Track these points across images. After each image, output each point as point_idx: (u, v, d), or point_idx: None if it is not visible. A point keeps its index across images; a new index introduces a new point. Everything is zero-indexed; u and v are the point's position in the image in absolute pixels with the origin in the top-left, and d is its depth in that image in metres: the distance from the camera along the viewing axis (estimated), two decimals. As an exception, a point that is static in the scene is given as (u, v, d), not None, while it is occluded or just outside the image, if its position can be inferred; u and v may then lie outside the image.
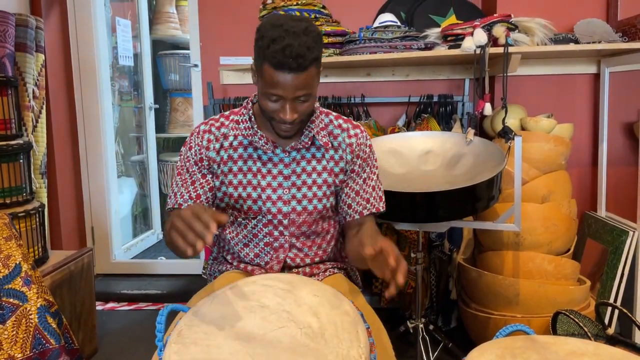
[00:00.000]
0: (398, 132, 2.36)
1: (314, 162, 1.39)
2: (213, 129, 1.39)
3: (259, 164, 1.37)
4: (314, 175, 1.39)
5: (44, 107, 2.52)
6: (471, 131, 1.99)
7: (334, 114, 1.46)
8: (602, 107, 2.36)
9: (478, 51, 2.00)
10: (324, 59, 2.25)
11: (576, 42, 2.14)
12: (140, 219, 3.90)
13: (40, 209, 2.03)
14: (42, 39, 2.50)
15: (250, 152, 1.38)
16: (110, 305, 2.84)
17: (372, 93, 2.59)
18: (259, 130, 1.36)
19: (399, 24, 2.24)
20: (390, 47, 2.14)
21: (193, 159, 1.38)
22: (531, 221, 2.04)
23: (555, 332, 1.85)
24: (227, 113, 1.43)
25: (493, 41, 2.02)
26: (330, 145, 1.40)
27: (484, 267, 2.16)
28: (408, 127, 2.46)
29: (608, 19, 2.32)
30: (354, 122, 1.46)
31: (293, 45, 1.15)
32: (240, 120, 1.38)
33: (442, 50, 2.12)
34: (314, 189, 1.39)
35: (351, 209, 1.43)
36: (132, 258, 3.41)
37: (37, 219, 2.01)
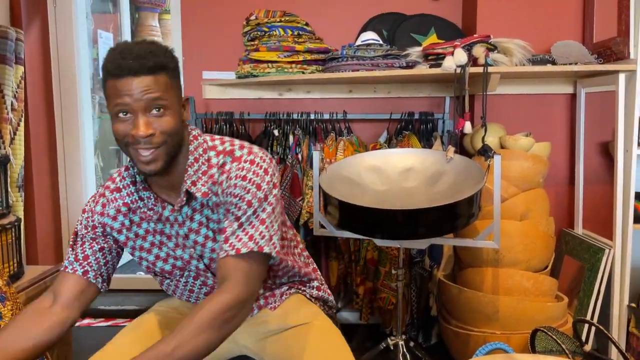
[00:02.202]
0: (379, 148, 2.38)
1: (206, 212, 1.22)
2: (110, 192, 1.26)
3: (159, 225, 1.25)
4: (212, 224, 1.23)
5: (22, 119, 2.48)
6: (451, 149, 2.01)
7: (217, 143, 1.23)
8: (579, 126, 2.41)
9: (458, 70, 2.03)
10: (307, 76, 2.28)
11: (553, 63, 2.19)
12: (119, 233, 3.84)
13: (16, 224, 1.99)
14: (21, 51, 2.47)
15: (146, 213, 1.24)
16: (86, 321, 2.78)
17: (354, 110, 2.61)
18: (144, 192, 1.22)
19: (380, 42, 2.27)
20: (372, 65, 2.16)
21: (88, 223, 1.26)
22: (510, 238, 2.07)
23: (534, 349, 1.87)
24: (109, 183, 1.28)
25: (473, 61, 2.06)
26: (210, 193, 1.19)
27: (464, 283, 2.17)
28: (389, 143, 2.48)
29: (584, 41, 2.38)
30: (237, 152, 1.20)
31: (133, 49, 1.08)
32: (121, 186, 1.25)
33: (423, 69, 2.15)
34: (218, 237, 1.21)
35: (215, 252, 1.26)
36: (109, 273, 3.35)
37: (13, 234, 1.97)
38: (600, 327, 1.77)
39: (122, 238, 1.27)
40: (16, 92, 2.42)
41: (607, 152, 2.45)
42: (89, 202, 1.30)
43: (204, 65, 2.71)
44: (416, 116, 2.47)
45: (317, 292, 1.47)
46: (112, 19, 3.71)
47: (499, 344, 1.16)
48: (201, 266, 1.28)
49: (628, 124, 2.06)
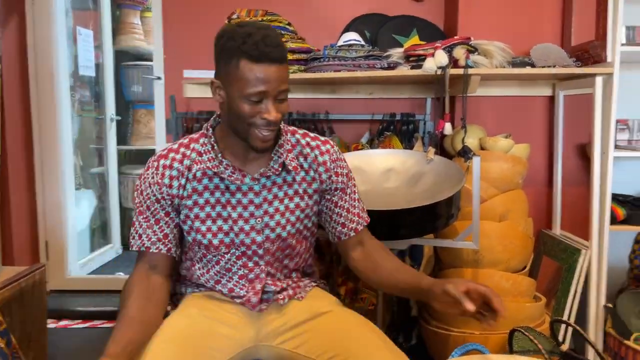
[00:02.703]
0: (361, 149, 2.38)
1: (285, 187, 1.34)
2: (175, 163, 1.30)
3: (227, 194, 1.30)
4: (286, 201, 1.34)
5: (-2, 117, 2.44)
6: (432, 150, 2.02)
7: (300, 131, 1.42)
8: (557, 128, 2.44)
9: (439, 72, 2.04)
10: (289, 75, 2.27)
11: (532, 65, 2.21)
12: (99, 233, 3.79)
13: (-10, 223, 1.95)
14: (-2, 47, 2.43)
15: (217, 183, 1.30)
16: (63, 322, 2.74)
17: (336, 110, 2.61)
18: (224, 159, 1.30)
19: (362, 43, 2.27)
20: (354, 66, 2.16)
21: (155, 196, 1.30)
22: (489, 239, 2.08)
23: (511, 349, 1.88)
24: (185, 141, 1.34)
25: (453, 62, 2.07)
26: (299, 168, 1.35)
27: (444, 284, 2.18)
28: (371, 144, 2.48)
29: (562, 44, 2.41)
30: (322, 138, 1.42)
31: (271, 36, 1.16)
32: (202, 151, 1.30)
33: (404, 70, 2.15)
34: (287, 214, 1.34)
35: (345, 227, 1.41)
36: (89, 273, 3.31)
37: (-13, 234, 1.93)
38: (577, 327, 1.79)
39: (189, 203, 1.30)
40: (-8, 89, 2.38)
41: (584, 154, 2.48)
42: (151, 174, 1.30)
43: (185, 63, 2.68)
44: (398, 117, 2.48)
45: (323, 285, 1.54)
46: (93, 16, 3.66)
47: (475, 344, 1.18)
48: (258, 239, 1.32)
49: (605, 126, 2.09)
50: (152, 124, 4.11)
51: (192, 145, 1.33)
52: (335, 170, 1.39)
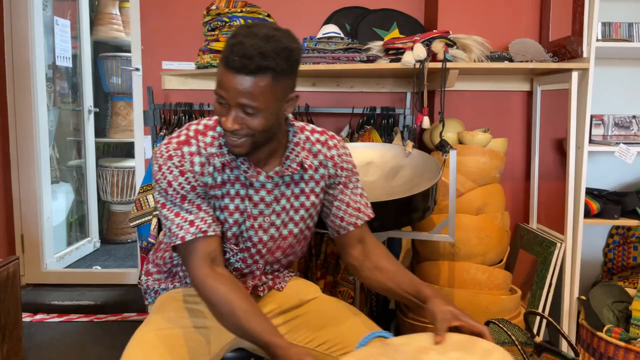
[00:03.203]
0: (340, 142, 2.37)
1: (292, 186, 1.32)
2: (201, 150, 1.24)
3: (244, 189, 1.28)
4: (292, 200, 1.33)
5: (-29, 107, 2.39)
6: (410, 143, 2.03)
7: (308, 127, 1.38)
8: (535, 123, 2.46)
9: (417, 65, 2.05)
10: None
11: (510, 60, 2.22)
12: (76, 227, 3.74)
13: (-39, 215, 1.91)
14: (-30, 36, 2.37)
15: (237, 174, 1.27)
16: (39, 316, 2.70)
17: (316, 103, 2.60)
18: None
19: (342, 35, 2.26)
20: (333, 59, 2.16)
21: (190, 184, 1.23)
22: (466, 232, 2.10)
23: (486, 341, 1.90)
24: (201, 127, 1.28)
25: (432, 56, 2.08)
26: (312, 167, 1.33)
27: (421, 276, 2.19)
28: (351, 138, 2.48)
29: (540, 39, 2.43)
30: (329, 132, 1.40)
31: (244, 44, 1.08)
32: (222, 144, 1.26)
33: (383, 64, 2.15)
34: (291, 213, 1.33)
35: (344, 221, 1.38)
36: (66, 267, 3.27)
37: (-42, 226, 1.89)
38: (550, 318, 1.81)
39: (217, 193, 1.27)
40: (-36, 78, 2.33)
41: (561, 148, 2.51)
42: (178, 162, 1.22)
43: (163, 55, 2.66)
44: (378, 111, 2.48)
45: (299, 275, 1.55)
46: (71, 6, 3.60)
47: (377, 332, 1.20)
48: (265, 237, 1.32)
49: (580, 121, 2.12)
50: (131, 117, 4.05)
51: (209, 133, 1.27)
52: (341, 164, 1.37)
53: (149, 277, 1.47)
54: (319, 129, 1.39)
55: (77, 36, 3.62)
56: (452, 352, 1.04)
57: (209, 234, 1.22)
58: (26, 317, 2.58)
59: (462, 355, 1.03)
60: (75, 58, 3.63)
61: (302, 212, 1.35)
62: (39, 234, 2.98)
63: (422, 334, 1.16)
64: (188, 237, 1.21)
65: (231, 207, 1.28)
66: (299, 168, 1.30)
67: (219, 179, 1.26)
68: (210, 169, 1.25)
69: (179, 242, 1.21)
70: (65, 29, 3.44)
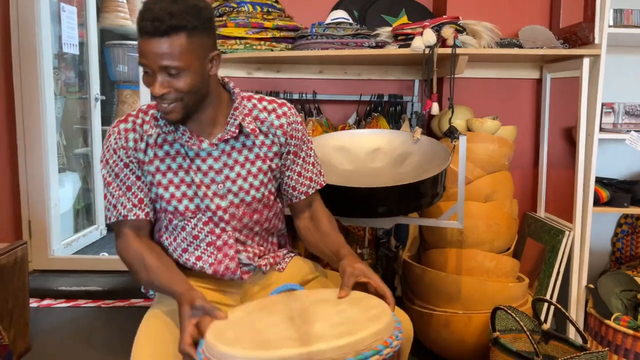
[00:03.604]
0: (349, 129, 2.36)
1: (245, 152, 1.35)
2: (137, 127, 1.30)
3: (187, 160, 1.31)
4: (248, 165, 1.35)
5: (-21, 92, 2.39)
6: (418, 130, 2.02)
7: (257, 96, 1.41)
8: (544, 111, 2.44)
9: (427, 51, 2.03)
10: (276, 54, 2.25)
11: (520, 47, 2.20)
12: (83, 215, 3.75)
13: (-31, 199, 1.92)
14: (-22, 21, 2.37)
15: (177, 148, 1.31)
16: (46, 302, 2.71)
17: (324, 90, 2.59)
18: (181, 125, 1.29)
19: (351, 21, 2.24)
20: (342, 44, 2.14)
21: (122, 162, 1.30)
22: (474, 219, 2.09)
23: (494, 327, 1.90)
24: (144, 107, 1.35)
25: (442, 42, 2.06)
26: (258, 131, 1.35)
27: (428, 264, 2.19)
28: (359, 125, 2.47)
29: (551, 26, 2.41)
30: (279, 101, 1.42)
31: (152, 9, 1.13)
32: (158, 116, 1.31)
33: (392, 49, 2.14)
34: (250, 179, 1.35)
35: (296, 190, 1.42)
36: (73, 254, 3.28)
37: (-34, 209, 1.90)
38: (559, 306, 1.81)
39: (151, 169, 1.30)
40: (-29, 63, 2.32)
41: (570, 137, 2.49)
42: (114, 140, 1.30)
43: (170, 41, 2.65)
44: (385, 98, 2.46)
45: (299, 252, 1.58)
46: (77, -7, 3.58)
47: (290, 284, 1.25)
48: (223, 204, 1.32)
49: (591, 108, 2.10)
50: (137, 105, 4.05)
51: (150, 112, 1.33)
52: (290, 133, 1.39)
53: None
54: (268, 98, 1.42)
55: (84, 23, 3.61)
56: (342, 305, 1.10)
57: (129, 218, 1.30)
58: (33, 303, 2.59)
59: (347, 307, 1.08)
60: (82, 46, 3.63)
61: (260, 176, 1.36)
62: (46, 220, 2.98)
63: (330, 289, 1.22)
64: (112, 219, 1.32)
65: (176, 180, 1.31)
66: (237, 131, 1.31)
67: (159, 154, 1.31)
68: (143, 145, 1.30)
69: (111, 220, 1.33)
70: (71, 16, 3.43)
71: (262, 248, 1.43)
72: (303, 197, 1.43)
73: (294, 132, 1.40)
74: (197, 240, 1.35)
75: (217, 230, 1.34)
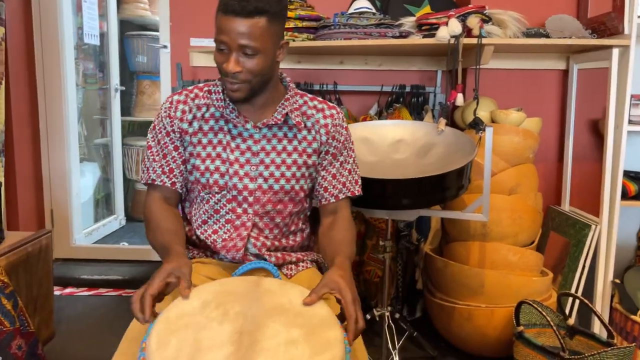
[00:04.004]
0: (370, 120, 2.35)
1: (285, 142, 1.37)
2: (188, 100, 1.36)
3: (228, 137, 1.35)
4: (284, 155, 1.36)
5: (3, 82, 2.41)
6: (443, 121, 1.99)
7: (310, 95, 1.44)
8: (570, 103, 2.40)
9: (452, 41, 2.00)
10: (298, 44, 2.24)
11: (547, 37, 2.16)
12: (103, 204, 3.78)
13: (-5, 187, 1.94)
14: (2, 11, 2.38)
15: (222, 125, 1.35)
16: (68, 290, 2.75)
17: (344, 81, 2.57)
18: (231, 103, 1.33)
19: (374, 11, 2.22)
20: (365, 34, 2.12)
21: (165, 129, 1.36)
22: (498, 212, 2.06)
23: (517, 321, 1.88)
24: (201, 84, 1.41)
25: (467, 32, 2.03)
26: (303, 125, 1.37)
27: (450, 257, 2.17)
28: (380, 116, 2.45)
29: (578, 15, 2.36)
30: (330, 104, 1.44)
31: None
32: (213, 91, 1.36)
33: (416, 39, 2.11)
34: (282, 168, 1.36)
35: (327, 192, 1.41)
36: (93, 243, 3.31)
37: (-7, 198, 1.92)
38: (585, 300, 1.79)
39: (194, 140, 1.35)
40: (-4, 53, 2.34)
41: (596, 130, 2.45)
42: (164, 109, 1.37)
43: (192, 32, 2.64)
44: (407, 89, 2.44)
45: (324, 266, 1.50)
46: (97, -16, 3.59)
47: (265, 263, 1.22)
48: (250, 186, 1.34)
49: (620, 100, 2.06)
50: (156, 95, 4.06)
51: (205, 88, 1.38)
52: (333, 134, 1.40)
53: None
54: (320, 99, 1.44)
55: (105, 14, 3.62)
56: (295, 329, 1.00)
57: (156, 182, 1.36)
58: (56, 291, 2.63)
59: (301, 337, 0.98)
60: (103, 36, 3.64)
61: (294, 169, 1.37)
62: (68, 209, 3.01)
63: (299, 288, 1.12)
64: (142, 180, 1.39)
65: (213, 154, 1.35)
66: (282, 119, 1.34)
67: (204, 127, 1.35)
68: (190, 116, 1.35)
69: (142, 181, 1.39)
70: (92, 7, 3.44)
71: (276, 243, 1.41)
72: (332, 199, 1.41)
73: (337, 135, 1.41)
74: (217, 214, 1.38)
75: (239, 210, 1.36)
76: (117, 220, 3.79)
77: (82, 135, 3.45)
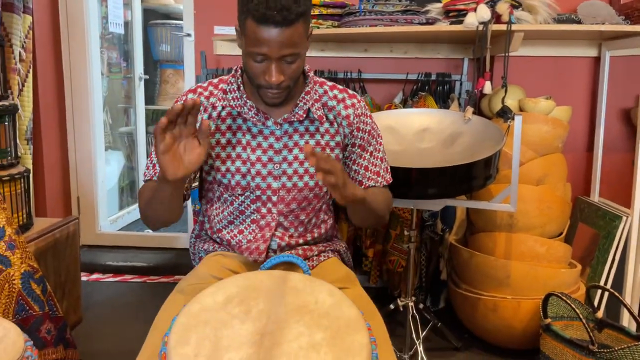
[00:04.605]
0: (395, 109, 2.32)
1: (307, 137, 1.31)
2: (202, 98, 1.30)
3: (248, 136, 1.29)
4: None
5: (31, 71, 2.44)
6: (470, 109, 1.95)
7: (329, 83, 1.38)
8: (601, 91, 2.34)
9: (480, 27, 1.96)
10: (322, 31, 2.21)
11: (579, 23, 2.10)
12: (127, 192, 3.83)
13: (25, 174, 1.97)
14: (29, 0, 2.40)
15: (240, 124, 1.30)
16: (95, 276, 2.79)
17: (369, 69, 2.54)
18: (248, 100, 1.27)
19: (400, -3, 2.18)
20: (391, 21, 2.09)
21: None
22: (525, 203, 2.03)
23: (545, 314, 1.85)
24: (215, 81, 1.34)
25: (496, 18, 1.98)
26: (325, 119, 1.32)
27: (476, 248, 2.14)
28: (405, 104, 2.42)
29: (611, 1, 2.29)
30: (350, 92, 1.38)
31: None
32: (228, 89, 1.30)
33: (443, 26, 2.07)
34: (306, 164, 1.31)
35: (362, 185, 1.36)
36: (118, 230, 3.36)
37: (22, 185, 1.95)
38: (615, 293, 1.75)
39: (212, 141, 1.29)
40: (24, 42, 2.37)
41: (628, 119, 2.38)
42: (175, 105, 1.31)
43: (216, 20, 2.64)
44: (433, 77, 2.40)
45: (344, 250, 1.49)
46: (121, -27, 3.61)
47: (288, 256, 1.18)
48: (274, 185, 1.30)
49: (654, 88, 1.99)
50: (179, 84, 4.08)
51: (220, 85, 1.32)
52: (357, 125, 1.34)
53: (196, 240, 1.48)
54: (339, 87, 1.37)
55: (129, 3, 3.64)
56: (319, 331, 0.96)
57: (153, 179, 1.29)
58: (83, 277, 2.67)
59: (324, 342, 0.94)
60: (127, 25, 3.67)
61: None
62: (94, 197, 3.06)
63: (329, 286, 1.08)
64: (147, 177, 1.31)
65: (233, 154, 1.29)
66: (304, 115, 1.29)
67: (221, 127, 1.29)
68: (205, 116, 1.29)
69: (147, 177, 1.31)
70: (117, -3, 3.47)
71: (300, 240, 1.37)
72: None
73: (361, 125, 1.35)
74: (242, 215, 1.35)
75: (263, 210, 1.32)
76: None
77: (107, 123, 3.49)
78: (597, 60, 2.38)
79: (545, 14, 2.04)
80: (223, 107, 1.30)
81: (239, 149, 1.30)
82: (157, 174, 1.28)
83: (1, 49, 1.96)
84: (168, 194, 1.17)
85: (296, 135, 1.31)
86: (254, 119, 1.28)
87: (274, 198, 1.31)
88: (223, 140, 1.30)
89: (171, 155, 1.08)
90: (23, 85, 2.38)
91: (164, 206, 1.22)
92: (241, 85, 1.29)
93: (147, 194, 1.25)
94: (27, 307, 1.60)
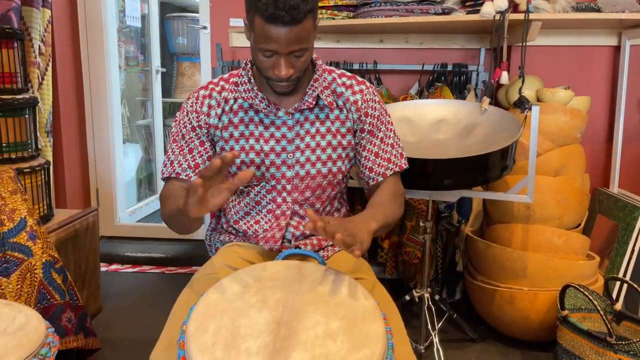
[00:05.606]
0: (410, 100, 2.31)
1: (317, 124, 1.33)
2: (214, 93, 1.32)
3: (260, 127, 1.31)
4: (318, 138, 1.32)
5: (50, 64, 2.47)
6: (486, 100, 1.94)
7: (338, 71, 1.39)
8: (621, 81, 2.30)
9: (497, 17, 1.93)
10: (338, 22, 2.21)
11: (599, 11, 2.07)
12: (145, 184, 3.88)
13: (45, 166, 2.00)
14: (48, -6, 2.43)
15: (252, 116, 1.31)
16: (114, 266, 2.84)
17: (384, 60, 2.53)
18: (259, 92, 1.29)
19: (415, -13, 2.17)
20: (407, 11, 2.08)
21: (191, 124, 1.32)
22: (542, 194, 2.01)
23: (562, 305, 1.83)
24: (226, 76, 1.36)
25: (513, 7, 1.96)
26: (334, 105, 1.33)
27: (492, 239, 2.13)
28: (420, 95, 2.41)
29: (632, -11, 2.24)
30: (359, 78, 1.38)
31: None
32: (239, 82, 1.32)
33: (460, 16, 2.05)
34: (318, 152, 1.32)
35: (373, 172, 1.36)
36: (136, 222, 3.40)
37: (43, 176, 1.99)
38: (635, 285, 1.72)
39: (225, 135, 1.32)
40: (43, 35, 2.40)
41: (649, 109, 2.34)
42: (190, 103, 1.33)
43: (231, 12, 2.65)
44: (449, 68, 2.38)
45: None
46: (138, -34, 3.63)
47: (299, 249, 1.19)
48: (288, 174, 1.32)
49: (676, 77, 1.96)
50: (196, 77, 4.11)
51: (231, 79, 1.34)
52: (365, 110, 1.35)
53: (212, 233, 1.49)
54: (348, 74, 1.38)
55: (145, -4, 3.67)
56: (335, 320, 0.96)
57: (181, 176, 1.31)
58: (102, 267, 2.72)
59: (341, 330, 0.94)
60: (144, 19, 3.69)
61: (329, 151, 1.33)
62: (113, 188, 3.10)
63: (346, 276, 1.08)
64: (165, 174, 1.34)
65: (246, 147, 1.31)
66: (314, 102, 1.30)
67: (234, 120, 1.31)
68: (219, 110, 1.31)
69: (165, 174, 1.34)
70: (133, -10, 3.49)
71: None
72: (380, 178, 1.36)
73: (370, 110, 1.35)
74: (259, 205, 1.36)
75: (279, 200, 1.34)
76: (158, 199, 3.87)
77: (125, 116, 3.53)
78: (617, 49, 2.34)
79: (564, 3, 2.01)
80: (235, 100, 1.32)
81: (252, 141, 1.31)
82: (175, 172, 1.31)
83: (21, 43, 1.99)
84: (189, 221, 1.17)
85: (307, 123, 1.32)
86: (266, 110, 1.30)
87: (288, 187, 1.33)
88: (236, 133, 1.32)
89: (198, 201, 1.06)
90: (43, 79, 2.42)
91: (184, 225, 1.25)
92: (252, 77, 1.31)
93: (169, 207, 1.26)
94: (49, 296, 1.63)
